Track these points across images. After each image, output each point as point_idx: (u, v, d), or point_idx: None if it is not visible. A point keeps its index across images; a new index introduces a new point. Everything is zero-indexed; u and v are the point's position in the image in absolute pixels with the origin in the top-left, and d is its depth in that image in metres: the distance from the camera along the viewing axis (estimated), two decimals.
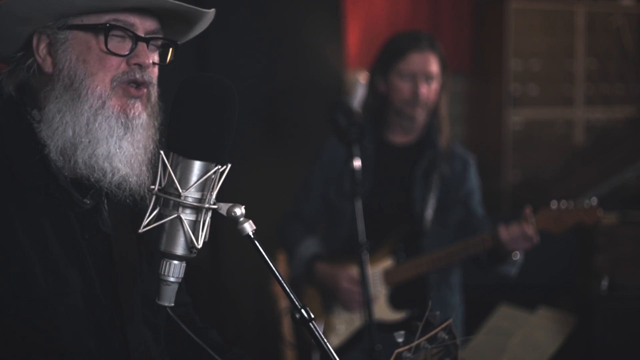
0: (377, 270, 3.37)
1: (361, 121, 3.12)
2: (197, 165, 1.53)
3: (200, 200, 1.54)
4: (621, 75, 5.95)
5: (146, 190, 1.64)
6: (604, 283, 3.90)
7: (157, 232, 1.55)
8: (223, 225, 2.98)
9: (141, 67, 1.65)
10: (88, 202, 1.68)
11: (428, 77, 3.36)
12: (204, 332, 1.93)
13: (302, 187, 3.58)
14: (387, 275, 3.37)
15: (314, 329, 1.56)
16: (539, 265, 4.37)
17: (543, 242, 3.29)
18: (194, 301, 1.98)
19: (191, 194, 1.53)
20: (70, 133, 1.61)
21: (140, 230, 1.55)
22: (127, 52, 1.64)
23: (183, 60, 1.72)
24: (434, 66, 3.37)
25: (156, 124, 1.70)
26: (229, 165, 1.56)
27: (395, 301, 3.38)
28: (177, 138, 1.53)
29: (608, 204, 4.50)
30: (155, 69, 1.70)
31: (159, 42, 1.70)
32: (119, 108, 1.63)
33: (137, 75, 1.64)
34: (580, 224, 3.30)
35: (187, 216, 1.53)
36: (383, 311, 3.35)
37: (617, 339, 3.74)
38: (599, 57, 5.89)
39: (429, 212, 3.37)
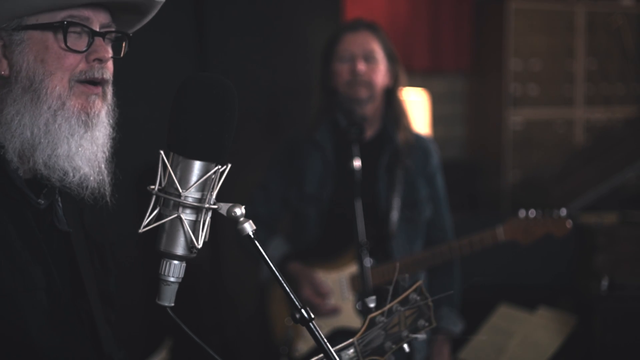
0: (344, 276, 3.24)
1: (361, 121, 3.06)
2: (197, 165, 1.53)
3: (201, 200, 1.54)
4: (621, 75, 5.95)
5: (106, 189, 1.66)
6: (604, 283, 3.90)
7: (157, 232, 1.55)
8: (223, 225, 2.98)
9: (101, 61, 1.65)
10: (42, 202, 1.68)
11: (367, 57, 3.21)
12: None
13: (260, 189, 3.40)
14: (354, 281, 3.23)
15: (314, 329, 1.56)
16: (539, 265, 4.37)
17: (543, 241, 3.27)
18: (194, 301, 1.98)
19: (191, 194, 1.53)
20: (29, 134, 1.61)
21: (140, 230, 1.55)
22: (85, 48, 1.64)
23: (183, 60, 1.72)
24: (374, 46, 3.23)
25: (112, 121, 1.71)
26: (229, 165, 1.57)
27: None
28: (177, 138, 1.53)
29: (608, 204, 4.51)
30: (111, 64, 1.71)
31: (112, 35, 1.71)
32: (79, 107, 1.63)
33: (97, 74, 1.65)
34: (549, 236, 3.20)
35: (187, 216, 1.53)
36: (350, 318, 3.22)
37: (617, 339, 3.74)
38: (599, 57, 5.89)
39: (395, 213, 3.22)
